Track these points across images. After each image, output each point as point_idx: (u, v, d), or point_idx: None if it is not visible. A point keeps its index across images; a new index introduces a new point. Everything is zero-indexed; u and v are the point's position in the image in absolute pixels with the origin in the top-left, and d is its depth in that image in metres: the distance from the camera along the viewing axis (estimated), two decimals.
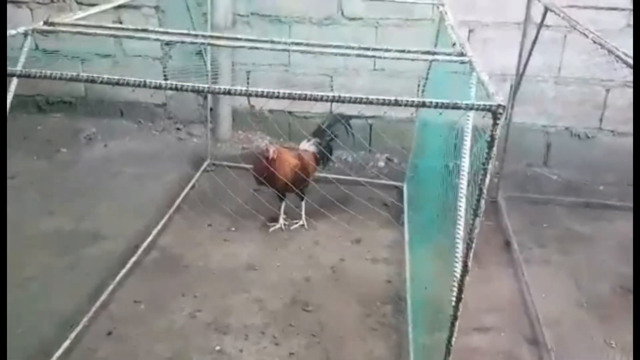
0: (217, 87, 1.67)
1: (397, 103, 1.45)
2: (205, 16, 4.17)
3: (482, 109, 1.31)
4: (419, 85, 4.12)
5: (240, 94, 1.53)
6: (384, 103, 1.42)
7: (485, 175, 1.37)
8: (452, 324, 1.55)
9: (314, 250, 3.35)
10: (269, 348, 2.60)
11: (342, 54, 2.07)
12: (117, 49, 4.76)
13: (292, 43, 2.09)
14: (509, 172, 4.07)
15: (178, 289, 2.96)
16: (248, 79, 4.70)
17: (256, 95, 1.49)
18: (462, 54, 1.79)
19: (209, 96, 4.61)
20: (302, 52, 2.12)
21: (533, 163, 4.44)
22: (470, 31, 4.30)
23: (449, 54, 1.83)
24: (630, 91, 3.98)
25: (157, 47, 4.70)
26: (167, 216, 3.55)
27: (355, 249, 3.36)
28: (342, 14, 4.45)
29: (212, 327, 2.72)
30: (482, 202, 1.42)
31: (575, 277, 3.06)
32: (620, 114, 4.16)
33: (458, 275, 1.49)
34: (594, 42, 2.20)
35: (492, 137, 1.31)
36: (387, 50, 1.90)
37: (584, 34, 2.31)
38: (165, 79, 4.35)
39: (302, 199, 3.56)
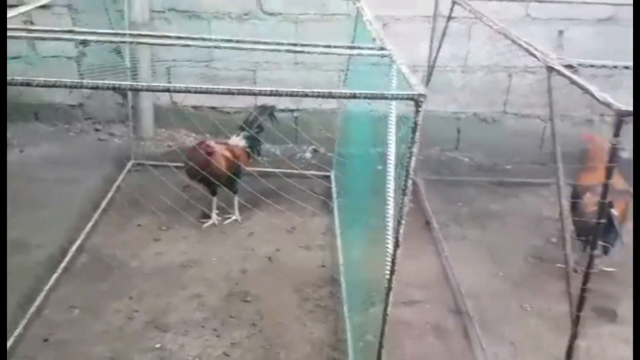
0: (140, 84, 1.70)
1: (330, 95, 1.56)
2: (121, 13, 4.09)
3: (406, 98, 1.46)
4: (339, 78, 4.28)
5: (163, 91, 1.58)
6: (318, 95, 1.53)
7: (410, 158, 1.52)
8: (387, 295, 1.69)
9: (250, 243, 3.42)
10: (210, 340, 2.66)
11: (273, 50, 2.16)
12: (29, 50, 4.55)
13: (221, 40, 2.15)
14: (425, 156, 4.35)
15: (112, 291, 2.93)
16: (169, 75, 4.66)
17: (181, 91, 1.54)
18: (382, 48, 1.93)
19: (129, 94, 4.52)
20: (232, 48, 2.18)
21: (446, 148, 4.74)
22: (384, 25, 4.51)
23: (371, 48, 1.97)
24: (531, 76, 4.34)
25: (72, 47, 4.54)
26: (93, 220, 3.48)
27: (290, 238, 3.47)
28: (262, 9, 4.51)
29: (151, 326, 2.73)
30: (409, 182, 1.57)
31: (491, 251, 3.34)
32: (522, 98, 4.53)
33: (391, 250, 1.64)
34: (498, 32, 2.42)
35: (416, 123, 1.46)
36: (315, 46, 2.01)
37: (489, 25, 2.54)
38: (82, 79, 4.26)
39: (235, 192, 3.61)
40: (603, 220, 1.56)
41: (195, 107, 4.78)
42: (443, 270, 3.23)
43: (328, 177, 4.13)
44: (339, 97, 1.48)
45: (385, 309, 1.75)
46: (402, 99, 1.47)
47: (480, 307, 2.87)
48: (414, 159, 1.51)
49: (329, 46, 1.98)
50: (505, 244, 3.42)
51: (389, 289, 1.69)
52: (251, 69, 4.60)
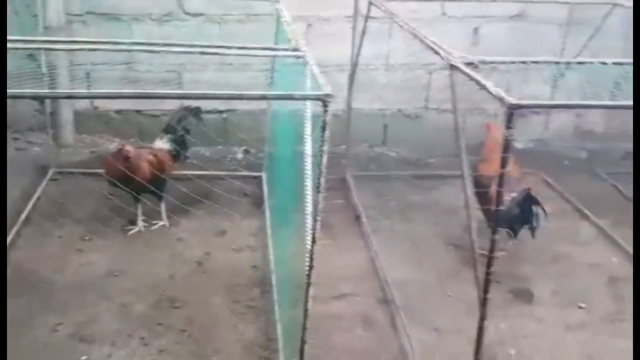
0: (60, 91, 1.66)
1: (240, 97, 1.58)
2: (35, 17, 3.92)
3: (314, 99, 1.50)
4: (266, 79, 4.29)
5: (85, 97, 1.54)
6: (229, 97, 1.54)
7: (322, 156, 1.56)
8: (307, 291, 1.73)
9: (178, 248, 3.38)
10: (138, 350, 2.60)
11: (186, 52, 2.15)
12: None
13: (139, 43, 2.12)
14: (355, 153, 4.44)
15: (35, 305, 2.82)
16: (88, 79, 4.50)
17: (102, 97, 1.52)
18: (296, 49, 1.97)
19: (47, 100, 4.33)
20: (149, 52, 2.15)
21: (374, 143, 4.86)
22: (308, 25, 4.56)
23: (286, 49, 2.00)
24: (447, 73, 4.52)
25: None
26: (12, 233, 3.32)
27: (221, 241, 3.45)
28: (183, 10, 4.45)
29: (76, 338, 2.65)
30: (323, 180, 1.61)
31: (416, 242, 3.46)
32: (441, 94, 4.71)
33: (309, 246, 1.68)
34: (409, 32, 2.52)
35: (324, 122, 1.50)
36: (229, 48, 2.01)
37: (401, 25, 2.63)
38: None
39: (160, 199, 3.54)
40: (502, 207, 1.65)
41: (118, 112, 4.66)
42: (372, 263, 3.32)
43: (259, 178, 4.13)
44: (248, 98, 1.50)
45: (305, 305, 1.79)
46: (310, 99, 1.51)
47: (407, 296, 2.97)
48: (325, 157, 1.55)
49: (245, 47, 1.99)
50: (428, 235, 3.56)
51: (308, 284, 1.73)
52: (175, 70, 4.52)
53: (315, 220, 1.66)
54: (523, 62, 1.97)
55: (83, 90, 4.54)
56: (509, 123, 1.51)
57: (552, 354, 2.64)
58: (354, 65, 3.93)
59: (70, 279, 3.04)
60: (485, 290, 1.75)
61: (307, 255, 1.70)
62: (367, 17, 3.51)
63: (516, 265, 3.33)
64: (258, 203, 3.82)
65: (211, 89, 1.52)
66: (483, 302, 1.79)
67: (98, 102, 4.63)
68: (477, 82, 1.75)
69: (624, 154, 4.73)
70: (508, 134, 1.52)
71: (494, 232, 1.73)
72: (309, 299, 1.77)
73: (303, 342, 1.83)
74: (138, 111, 4.64)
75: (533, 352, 2.65)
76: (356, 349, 2.69)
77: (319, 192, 1.64)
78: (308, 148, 1.76)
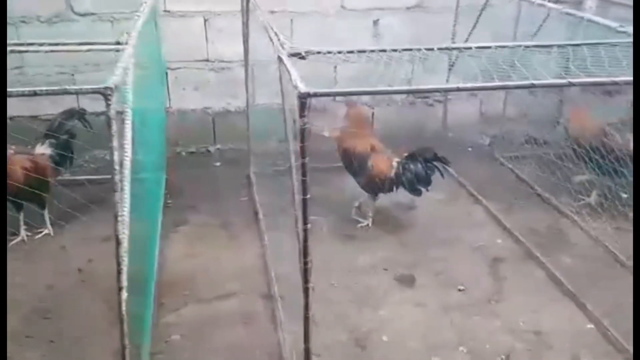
0: None
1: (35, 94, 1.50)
2: None
3: (92, 92, 1.44)
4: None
5: None
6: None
7: (112, 153, 1.50)
8: (119, 294, 1.68)
9: (61, 257, 3.26)
10: None
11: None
12: None
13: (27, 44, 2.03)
14: (264, 149, 4.37)
15: None
16: None
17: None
18: (118, 43, 1.91)
19: None
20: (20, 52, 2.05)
21: (283, 138, 4.82)
22: (205, 20, 4.49)
23: (106, 44, 1.94)
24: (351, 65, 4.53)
25: None
26: None
27: (105, 247, 3.32)
28: (72, 10, 4.30)
29: None
30: (118, 177, 1.56)
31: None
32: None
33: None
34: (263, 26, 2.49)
35: (108, 117, 1.44)
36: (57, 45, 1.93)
37: (260, 19, 2.60)
38: None
39: (42, 206, 3.41)
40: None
41: (11, 118, 4.46)
42: (263, 260, 3.29)
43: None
44: (17, 95, 1.42)
45: (119, 309, 1.73)
46: (87, 93, 1.46)
47: (289, 289, 2.94)
48: (117, 154, 1.49)
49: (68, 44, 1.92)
50: (319, 226, 3.55)
51: (119, 288, 1.68)
52: (68, 72, 4.36)
53: (116, 220, 1.61)
54: (350, 52, 1.98)
55: None
56: (301, 111, 1.50)
57: (425, 337, 2.66)
58: (246, 60, 3.89)
59: None
60: (305, 280, 1.73)
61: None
62: (246, 10, 3.47)
63: (405, 252, 3.37)
64: None
65: None
66: (305, 291, 1.77)
67: None
68: (288, 72, 1.72)
69: (527, 138, 4.86)
70: (302, 122, 1.50)
71: (305, 221, 1.71)
72: (122, 303, 1.71)
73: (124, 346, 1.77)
74: (34, 117, 4.45)
75: (406, 337, 2.67)
76: (234, 346, 2.65)
77: (120, 190, 1.58)
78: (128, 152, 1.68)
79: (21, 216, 3.38)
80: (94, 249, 3.30)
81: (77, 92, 1.46)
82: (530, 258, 3.28)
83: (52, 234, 3.42)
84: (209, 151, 4.84)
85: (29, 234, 3.39)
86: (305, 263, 1.68)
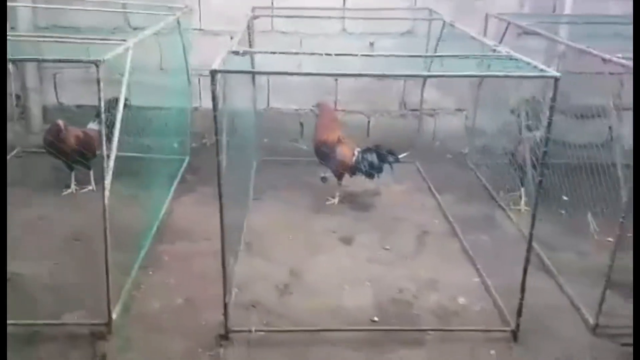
0: None
1: None
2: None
3: (87, 62, 2.45)
4: None
5: None
6: None
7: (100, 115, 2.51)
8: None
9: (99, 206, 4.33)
10: None
11: None
12: None
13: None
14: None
15: None
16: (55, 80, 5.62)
17: None
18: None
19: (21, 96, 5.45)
20: None
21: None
22: (231, 38, 5.55)
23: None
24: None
25: None
26: None
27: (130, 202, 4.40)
28: (129, 24, 5.49)
29: None
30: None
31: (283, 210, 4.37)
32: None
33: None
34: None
35: (98, 80, 2.46)
36: None
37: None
38: None
39: (88, 168, 4.54)
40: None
41: (78, 106, 5.72)
42: (241, 219, 4.23)
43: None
44: None
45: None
46: (84, 62, 2.48)
47: (260, 240, 3.87)
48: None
49: None
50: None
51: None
52: None
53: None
54: (282, 53, 2.89)
55: None
56: (212, 82, 2.43)
57: (344, 276, 3.49)
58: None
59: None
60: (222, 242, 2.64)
61: None
62: (248, 27, 4.48)
63: (356, 223, 4.21)
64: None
65: None
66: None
67: (63, 99, 5.73)
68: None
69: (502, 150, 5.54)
70: (212, 89, 2.43)
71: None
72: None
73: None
74: (93, 106, 5.67)
75: (331, 275, 3.51)
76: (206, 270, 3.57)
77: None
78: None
79: (72, 174, 4.52)
80: (121, 202, 4.36)
81: (77, 61, 2.45)
82: (454, 235, 4.03)
83: (95, 190, 4.53)
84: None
85: (77, 188, 4.52)
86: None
